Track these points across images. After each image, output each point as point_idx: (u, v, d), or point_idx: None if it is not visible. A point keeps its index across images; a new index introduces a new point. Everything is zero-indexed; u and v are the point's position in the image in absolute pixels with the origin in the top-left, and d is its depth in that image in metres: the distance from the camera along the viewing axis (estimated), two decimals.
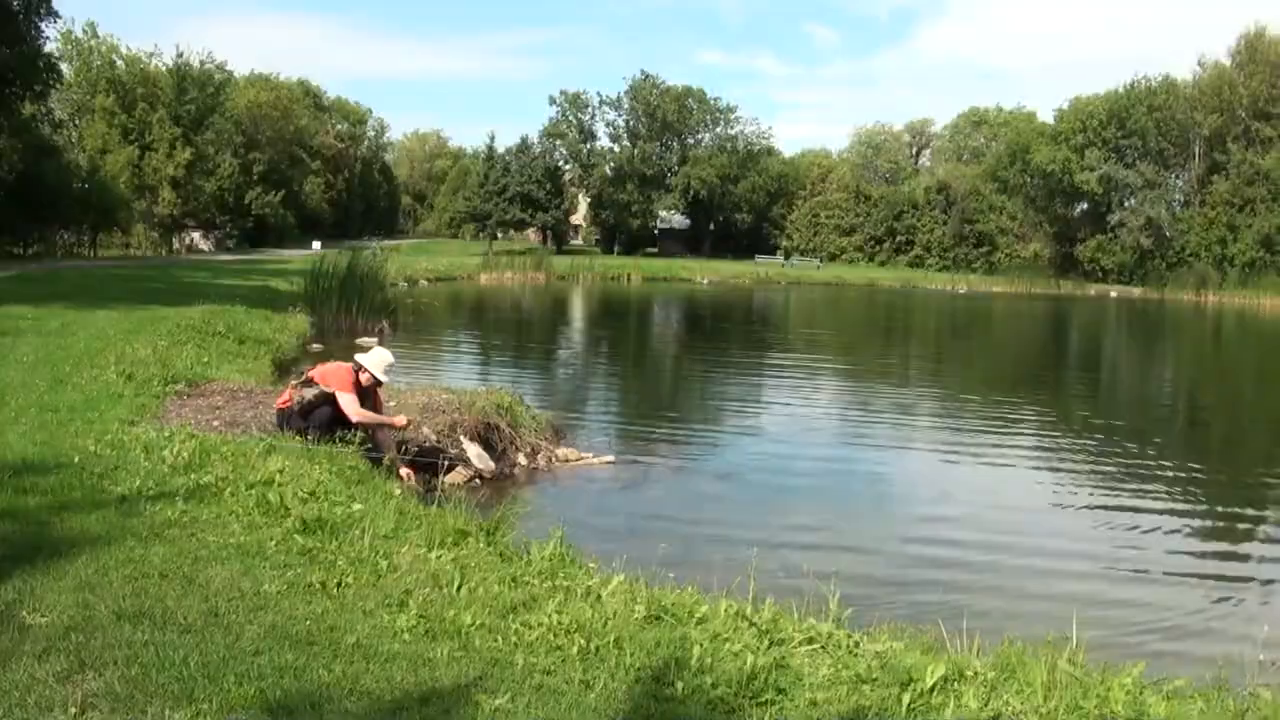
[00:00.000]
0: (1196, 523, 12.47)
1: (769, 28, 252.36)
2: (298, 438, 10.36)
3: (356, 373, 10.95)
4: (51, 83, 50.62)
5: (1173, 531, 11.88)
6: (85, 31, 69.72)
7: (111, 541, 6.50)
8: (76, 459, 8.40)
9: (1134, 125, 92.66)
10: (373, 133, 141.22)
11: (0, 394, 11.16)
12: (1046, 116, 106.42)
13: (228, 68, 75.49)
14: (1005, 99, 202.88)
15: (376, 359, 11.10)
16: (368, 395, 11.07)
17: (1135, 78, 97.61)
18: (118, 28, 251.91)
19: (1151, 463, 15.80)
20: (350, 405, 10.69)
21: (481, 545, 7.47)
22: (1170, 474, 15.14)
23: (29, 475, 7.74)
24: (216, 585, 5.95)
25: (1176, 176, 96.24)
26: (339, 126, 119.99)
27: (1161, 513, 12.66)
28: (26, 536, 6.45)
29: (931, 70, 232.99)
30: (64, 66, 60.22)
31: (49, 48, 50.44)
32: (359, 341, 22.98)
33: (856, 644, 6.13)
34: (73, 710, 4.25)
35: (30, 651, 4.77)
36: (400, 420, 11.20)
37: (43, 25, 47.31)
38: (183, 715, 4.31)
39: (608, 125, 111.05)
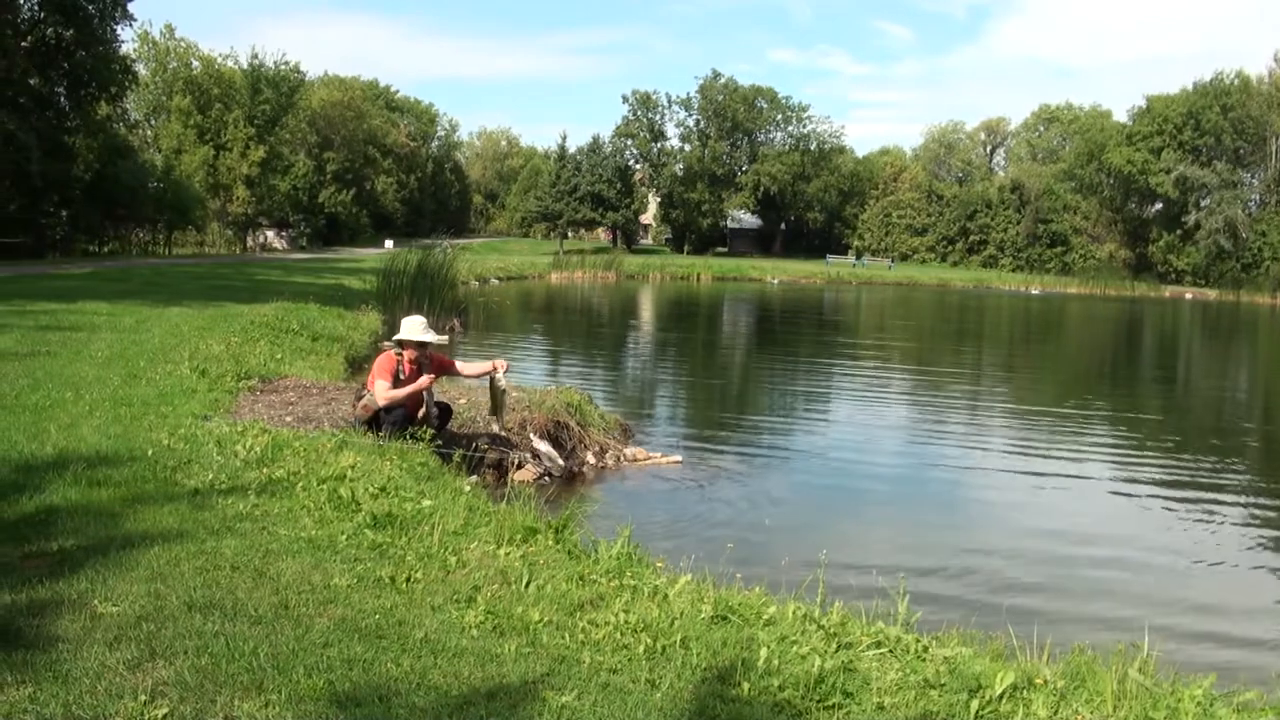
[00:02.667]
0: (1273, 535, 12.19)
1: (839, 25, 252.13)
2: (369, 434, 10.42)
3: (397, 355, 10.96)
4: (127, 84, 51.60)
5: (1248, 543, 11.62)
6: (163, 34, 70.98)
7: (183, 534, 6.56)
8: (150, 452, 8.49)
9: (1209, 125, 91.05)
10: (443, 132, 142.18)
11: (75, 388, 11.32)
12: (1121, 114, 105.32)
13: (301, 69, 76.39)
14: (1081, 97, 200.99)
15: (407, 326, 11.09)
16: (423, 365, 11.06)
17: (1209, 75, 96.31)
18: (194, 29, 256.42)
19: (1227, 473, 15.51)
20: (380, 391, 10.73)
21: (550, 543, 7.46)
22: (1247, 485, 14.88)
23: (103, 468, 7.83)
24: (287, 578, 6.00)
25: (1252, 176, 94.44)
26: (410, 126, 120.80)
27: (1237, 524, 12.40)
28: (100, 527, 6.53)
29: (1007, 68, 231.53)
30: (140, 68, 61.35)
31: (125, 50, 51.44)
32: None
33: (925, 649, 6.05)
34: (142, 698, 4.29)
35: (102, 639, 4.83)
36: (425, 380, 10.95)
37: (118, 28, 48.28)
38: (252, 705, 4.34)
39: (678, 125, 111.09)
